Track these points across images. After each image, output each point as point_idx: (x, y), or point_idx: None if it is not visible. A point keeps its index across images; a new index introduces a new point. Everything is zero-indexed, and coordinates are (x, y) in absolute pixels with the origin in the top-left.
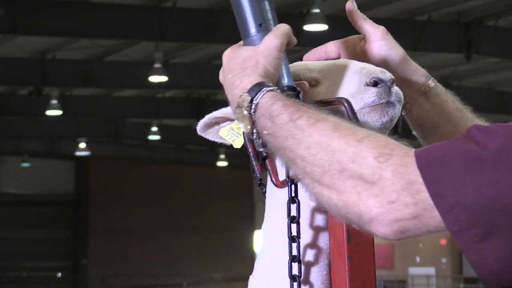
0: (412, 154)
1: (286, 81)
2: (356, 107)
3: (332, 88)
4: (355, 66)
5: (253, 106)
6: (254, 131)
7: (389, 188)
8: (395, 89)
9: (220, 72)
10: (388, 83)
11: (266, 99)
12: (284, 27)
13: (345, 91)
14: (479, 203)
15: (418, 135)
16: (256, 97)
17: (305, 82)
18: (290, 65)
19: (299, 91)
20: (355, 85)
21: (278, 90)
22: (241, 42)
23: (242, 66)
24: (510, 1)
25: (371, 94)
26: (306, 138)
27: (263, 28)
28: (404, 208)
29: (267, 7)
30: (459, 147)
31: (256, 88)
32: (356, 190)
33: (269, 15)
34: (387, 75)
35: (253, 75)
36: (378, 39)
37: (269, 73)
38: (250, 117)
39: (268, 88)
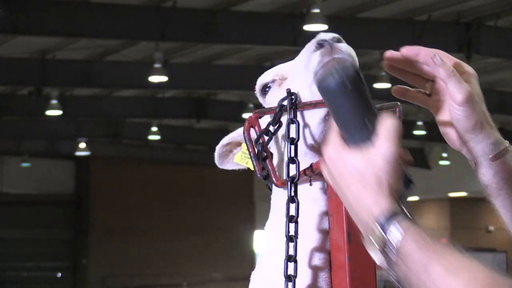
0: None
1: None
2: (311, 77)
3: (295, 74)
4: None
5: (387, 245)
6: (385, 263)
7: None
8: (340, 45)
9: (325, 170)
10: (330, 41)
11: (399, 237)
12: (392, 126)
13: (300, 68)
14: None
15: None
16: (389, 234)
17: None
18: (268, 71)
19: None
20: (306, 57)
21: (409, 218)
22: (336, 138)
23: (361, 181)
24: (510, 1)
25: (315, 57)
26: None
27: (367, 127)
28: None
29: (368, 97)
30: None
31: (388, 222)
32: None
33: (372, 108)
34: (329, 35)
35: (380, 199)
36: (456, 103)
37: (394, 191)
38: (384, 252)
39: (401, 223)
